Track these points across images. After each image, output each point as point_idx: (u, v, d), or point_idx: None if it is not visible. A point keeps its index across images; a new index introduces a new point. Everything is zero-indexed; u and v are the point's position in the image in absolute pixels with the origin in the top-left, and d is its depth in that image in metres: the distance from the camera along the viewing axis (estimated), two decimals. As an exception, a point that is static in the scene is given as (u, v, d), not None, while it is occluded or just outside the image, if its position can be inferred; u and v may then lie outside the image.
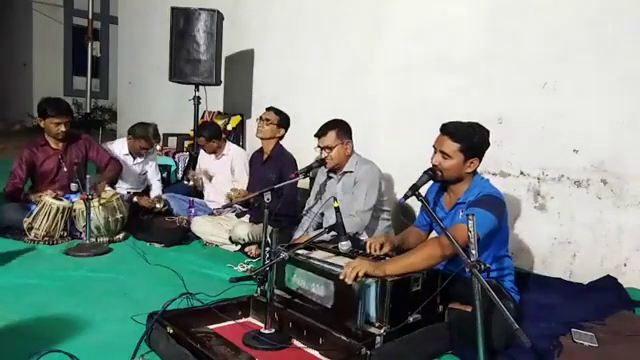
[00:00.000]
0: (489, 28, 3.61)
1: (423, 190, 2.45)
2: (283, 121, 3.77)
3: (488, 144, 2.34)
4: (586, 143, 3.13)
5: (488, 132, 2.33)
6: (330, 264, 2.23)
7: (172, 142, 6.19)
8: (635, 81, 2.95)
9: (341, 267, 2.11)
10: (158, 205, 4.41)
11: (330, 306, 2.13)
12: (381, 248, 2.39)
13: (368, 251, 2.39)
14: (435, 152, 2.31)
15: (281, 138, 3.82)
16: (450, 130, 2.28)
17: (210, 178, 4.44)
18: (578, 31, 3.18)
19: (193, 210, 4.17)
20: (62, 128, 3.79)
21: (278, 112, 3.79)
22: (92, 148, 4.08)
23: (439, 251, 2.08)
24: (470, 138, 2.26)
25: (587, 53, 3.13)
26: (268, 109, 3.83)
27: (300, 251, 2.32)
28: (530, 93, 3.38)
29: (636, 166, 2.95)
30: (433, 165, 2.30)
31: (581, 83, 3.16)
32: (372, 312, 2.01)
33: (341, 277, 2.03)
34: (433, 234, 2.59)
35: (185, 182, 5.01)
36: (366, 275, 2.01)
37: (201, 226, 3.77)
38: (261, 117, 3.80)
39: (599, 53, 3.08)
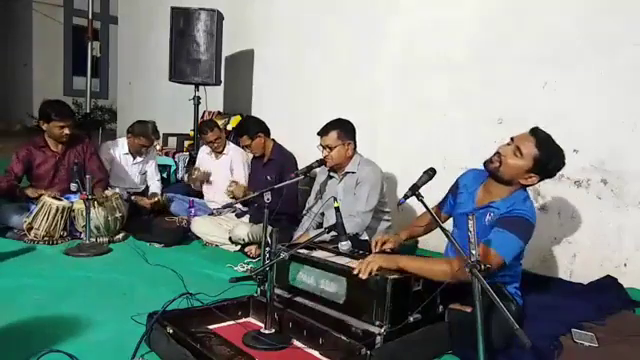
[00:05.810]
0: (489, 28, 3.61)
1: (447, 179, 2.39)
2: (257, 132, 3.77)
3: (554, 174, 2.21)
4: (586, 143, 3.13)
5: (564, 164, 2.16)
6: (334, 262, 2.24)
7: (172, 142, 6.19)
8: (635, 81, 2.95)
9: (346, 265, 2.14)
10: (156, 198, 4.41)
11: (342, 302, 2.14)
12: (383, 245, 2.40)
13: (373, 249, 2.40)
14: (509, 144, 2.16)
15: (270, 137, 3.86)
16: (540, 136, 2.12)
17: (209, 181, 4.44)
18: (578, 31, 3.18)
19: (193, 210, 4.17)
20: (66, 131, 3.78)
21: (247, 130, 3.80)
22: (91, 159, 4.03)
23: (449, 274, 1.97)
24: (550, 155, 2.11)
25: (587, 53, 3.13)
26: (240, 135, 3.87)
27: (300, 251, 2.31)
28: (530, 93, 3.38)
29: (636, 166, 2.96)
30: (497, 153, 2.16)
31: (581, 83, 3.16)
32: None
33: (355, 272, 2.04)
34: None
35: (184, 180, 5.00)
36: (380, 269, 2.03)
37: (201, 226, 3.77)
38: (243, 146, 3.96)
39: (599, 53, 3.08)
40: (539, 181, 2.18)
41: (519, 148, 2.10)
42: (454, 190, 2.46)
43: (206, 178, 4.44)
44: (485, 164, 2.19)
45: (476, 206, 2.26)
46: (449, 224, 2.44)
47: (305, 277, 2.31)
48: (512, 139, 2.17)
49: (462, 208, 2.34)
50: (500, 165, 2.13)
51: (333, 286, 2.18)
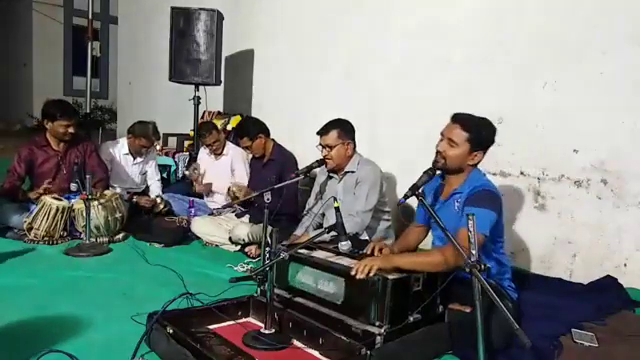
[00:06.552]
0: (489, 28, 3.61)
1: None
2: (257, 133, 3.78)
3: (493, 141, 2.35)
4: (586, 143, 3.13)
5: (495, 129, 2.34)
6: (332, 263, 2.23)
7: (172, 142, 6.19)
8: (635, 81, 2.95)
9: (344, 266, 2.14)
10: (160, 205, 4.41)
11: (340, 302, 2.13)
12: (380, 251, 2.40)
13: (368, 253, 2.40)
14: (442, 139, 2.33)
15: (270, 138, 3.86)
16: (461, 119, 2.31)
17: (211, 191, 4.46)
18: (578, 31, 3.18)
19: (193, 210, 4.17)
20: (70, 130, 3.81)
21: (247, 131, 3.80)
22: (91, 157, 4.05)
23: (442, 264, 2.08)
24: (479, 130, 2.29)
25: (587, 53, 3.13)
26: (240, 136, 3.88)
27: (300, 251, 2.31)
28: (530, 93, 3.37)
29: (636, 166, 2.95)
30: (437, 152, 2.32)
31: (581, 83, 3.16)
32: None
33: (353, 273, 2.05)
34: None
35: (185, 173, 5.00)
36: (379, 270, 2.04)
37: (201, 226, 3.77)
38: (243, 147, 3.97)
39: (599, 53, 3.08)
40: (484, 154, 2.33)
41: (451, 139, 2.29)
42: (426, 205, 2.51)
43: (207, 189, 4.44)
44: (433, 165, 2.32)
45: (442, 200, 2.40)
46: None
47: (304, 277, 2.31)
48: (442, 134, 2.34)
49: (433, 208, 2.40)
50: (445, 160, 2.30)
51: (331, 286, 2.18)
